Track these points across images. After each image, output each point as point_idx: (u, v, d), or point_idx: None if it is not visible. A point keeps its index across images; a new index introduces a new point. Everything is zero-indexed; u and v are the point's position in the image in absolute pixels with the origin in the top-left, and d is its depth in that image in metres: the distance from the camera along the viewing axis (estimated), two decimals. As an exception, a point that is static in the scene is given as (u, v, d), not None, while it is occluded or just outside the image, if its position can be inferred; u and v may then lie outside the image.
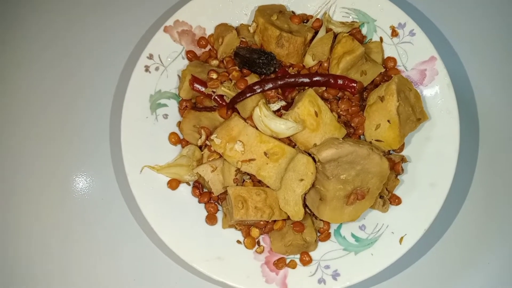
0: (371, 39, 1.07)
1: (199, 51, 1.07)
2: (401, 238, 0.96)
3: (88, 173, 1.10)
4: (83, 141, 1.11)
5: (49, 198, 1.09)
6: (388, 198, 0.98)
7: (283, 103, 0.98)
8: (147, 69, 1.03)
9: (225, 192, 0.97)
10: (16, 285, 1.04)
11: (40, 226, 1.07)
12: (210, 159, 0.99)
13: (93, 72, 1.15)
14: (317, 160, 0.91)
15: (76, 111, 1.13)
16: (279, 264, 0.96)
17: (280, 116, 0.95)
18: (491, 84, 1.14)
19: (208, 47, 1.08)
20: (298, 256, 0.97)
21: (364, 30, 1.07)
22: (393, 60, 1.05)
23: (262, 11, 1.04)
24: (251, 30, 1.04)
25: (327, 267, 0.96)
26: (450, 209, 1.07)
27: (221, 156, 0.96)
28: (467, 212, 1.07)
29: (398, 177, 0.99)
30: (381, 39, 1.06)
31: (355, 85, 0.98)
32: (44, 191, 1.09)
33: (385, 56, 1.06)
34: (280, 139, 0.95)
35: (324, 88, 1.00)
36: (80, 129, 1.12)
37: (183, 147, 1.03)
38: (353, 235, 0.98)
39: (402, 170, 0.99)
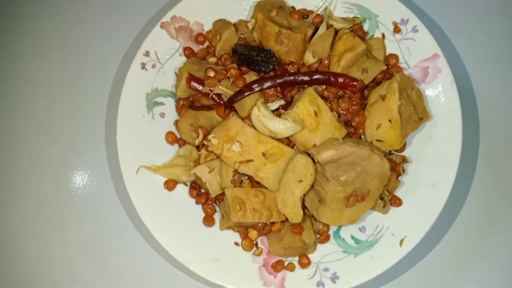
0: (373, 35, 1.05)
1: (196, 48, 1.05)
2: (401, 240, 0.94)
3: (84, 173, 1.09)
4: (79, 140, 1.10)
5: (44, 198, 1.07)
6: (388, 199, 0.96)
7: (282, 102, 0.96)
8: (143, 66, 1.01)
9: (223, 193, 0.96)
10: (8, 280, 1.03)
11: (35, 225, 1.06)
12: (208, 160, 0.97)
13: (89, 70, 1.13)
14: (316, 161, 0.89)
15: (72, 110, 1.11)
16: (277, 266, 0.94)
17: (279, 115, 0.93)
18: (492, 82, 1.11)
19: (206, 43, 1.06)
20: (296, 258, 0.96)
21: (366, 26, 1.05)
22: (395, 57, 1.03)
23: (261, 7, 1.02)
24: (250, 27, 1.02)
25: (326, 269, 0.94)
26: (450, 211, 1.05)
27: (218, 157, 0.95)
28: (468, 213, 1.05)
29: (399, 178, 0.97)
30: (383, 35, 1.04)
31: (356, 83, 0.95)
32: (40, 191, 1.07)
33: (387, 53, 1.04)
34: (278, 139, 0.93)
35: (324, 87, 0.98)
36: (76, 128, 1.10)
37: (180, 146, 1.01)
38: (352, 237, 0.97)
39: (403, 170, 0.97)
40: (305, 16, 1.05)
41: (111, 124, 1.08)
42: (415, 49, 1.02)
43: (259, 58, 0.97)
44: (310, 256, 0.96)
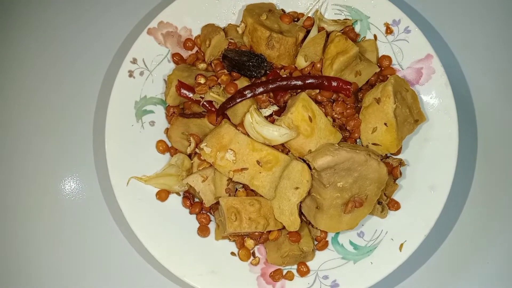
0: (364, 37, 1.03)
1: (185, 54, 1.03)
2: (401, 245, 0.93)
3: (71, 184, 1.06)
4: (66, 150, 1.07)
5: (31, 209, 1.04)
6: (386, 203, 0.95)
7: (275, 107, 0.94)
8: (131, 74, 0.98)
9: (218, 202, 0.93)
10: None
11: (23, 235, 1.03)
12: (200, 168, 0.94)
13: (74, 80, 1.10)
14: (312, 167, 0.87)
15: (57, 120, 1.08)
16: (276, 276, 0.92)
17: (273, 121, 0.91)
18: (487, 81, 1.11)
19: (195, 49, 1.03)
20: (295, 266, 0.94)
21: (357, 28, 1.03)
22: (388, 58, 1.02)
23: (251, 11, 1.00)
24: (240, 31, 1.00)
25: (326, 277, 0.93)
26: (450, 213, 1.03)
27: (211, 165, 0.92)
28: (469, 215, 1.04)
29: (396, 182, 0.96)
30: (375, 37, 1.03)
31: (350, 87, 0.94)
32: (27, 203, 1.04)
33: (380, 55, 1.02)
34: (273, 146, 0.91)
35: (317, 91, 0.96)
36: (62, 139, 1.07)
37: (171, 155, 0.99)
38: (351, 243, 0.95)
39: (400, 174, 0.96)
40: (296, 19, 1.03)
41: (99, 134, 1.06)
42: (408, 50, 1.01)
43: (250, 63, 0.95)
44: (309, 263, 0.94)
